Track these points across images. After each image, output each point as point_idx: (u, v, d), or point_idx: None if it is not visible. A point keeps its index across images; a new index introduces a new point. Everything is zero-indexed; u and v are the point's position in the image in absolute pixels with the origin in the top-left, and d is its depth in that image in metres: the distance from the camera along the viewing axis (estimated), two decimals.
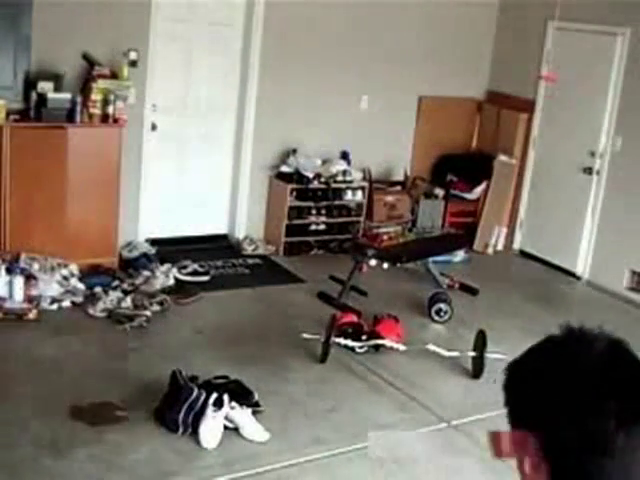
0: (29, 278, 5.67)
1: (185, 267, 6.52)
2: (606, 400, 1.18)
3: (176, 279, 6.35)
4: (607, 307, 6.89)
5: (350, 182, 7.62)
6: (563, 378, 1.21)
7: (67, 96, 5.99)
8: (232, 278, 6.73)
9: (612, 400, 1.18)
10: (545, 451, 1.20)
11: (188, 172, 7.26)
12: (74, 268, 6.00)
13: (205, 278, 6.53)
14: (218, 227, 7.55)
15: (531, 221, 7.88)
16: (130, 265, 6.44)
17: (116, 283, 6.04)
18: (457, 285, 6.81)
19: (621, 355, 1.23)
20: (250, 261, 7.15)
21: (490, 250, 8.02)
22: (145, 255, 6.57)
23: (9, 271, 5.63)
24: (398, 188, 8.10)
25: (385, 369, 5.29)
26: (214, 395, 4.28)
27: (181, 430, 4.24)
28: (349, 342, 5.42)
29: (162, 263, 6.44)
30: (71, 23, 6.16)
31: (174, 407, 4.27)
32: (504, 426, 1.26)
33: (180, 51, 6.95)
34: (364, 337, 5.47)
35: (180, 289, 6.21)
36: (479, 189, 8.19)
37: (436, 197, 8.10)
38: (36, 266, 5.80)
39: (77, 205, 6.15)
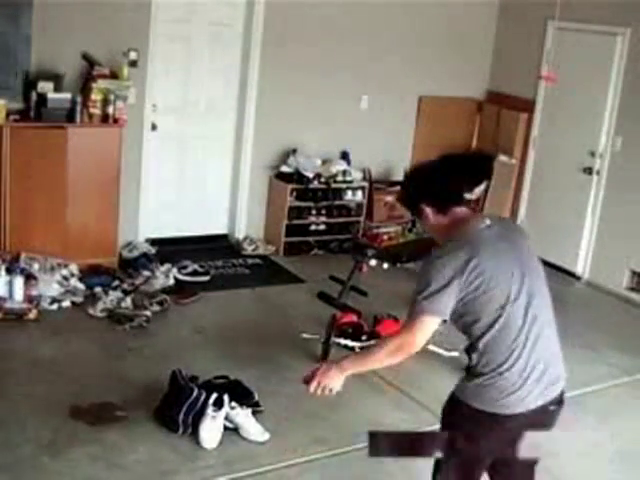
0: (29, 278, 5.67)
1: (185, 267, 6.52)
2: (459, 176, 2.95)
3: (176, 279, 6.36)
4: (607, 307, 6.88)
5: (350, 182, 7.63)
6: (438, 172, 2.91)
7: (67, 96, 5.99)
8: (232, 278, 6.73)
9: (462, 176, 2.97)
10: (436, 206, 2.91)
11: (188, 172, 7.26)
12: (74, 268, 6.01)
13: (205, 278, 6.53)
14: (218, 227, 7.56)
15: (531, 221, 7.87)
16: (130, 265, 6.44)
17: (116, 283, 6.04)
18: None
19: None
20: (250, 261, 7.15)
21: None
22: (145, 255, 6.58)
23: (9, 271, 5.63)
24: (398, 188, 8.09)
25: (385, 369, 5.26)
26: (214, 395, 4.28)
27: (181, 430, 4.24)
28: (349, 342, 5.43)
29: (162, 263, 6.44)
30: (71, 23, 6.16)
31: (174, 407, 4.26)
32: None
33: (180, 51, 6.94)
34: (364, 337, 5.47)
35: (180, 289, 6.21)
36: (479, 189, 8.17)
37: None
38: (36, 266, 5.80)
39: (77, 205, 6.14)
